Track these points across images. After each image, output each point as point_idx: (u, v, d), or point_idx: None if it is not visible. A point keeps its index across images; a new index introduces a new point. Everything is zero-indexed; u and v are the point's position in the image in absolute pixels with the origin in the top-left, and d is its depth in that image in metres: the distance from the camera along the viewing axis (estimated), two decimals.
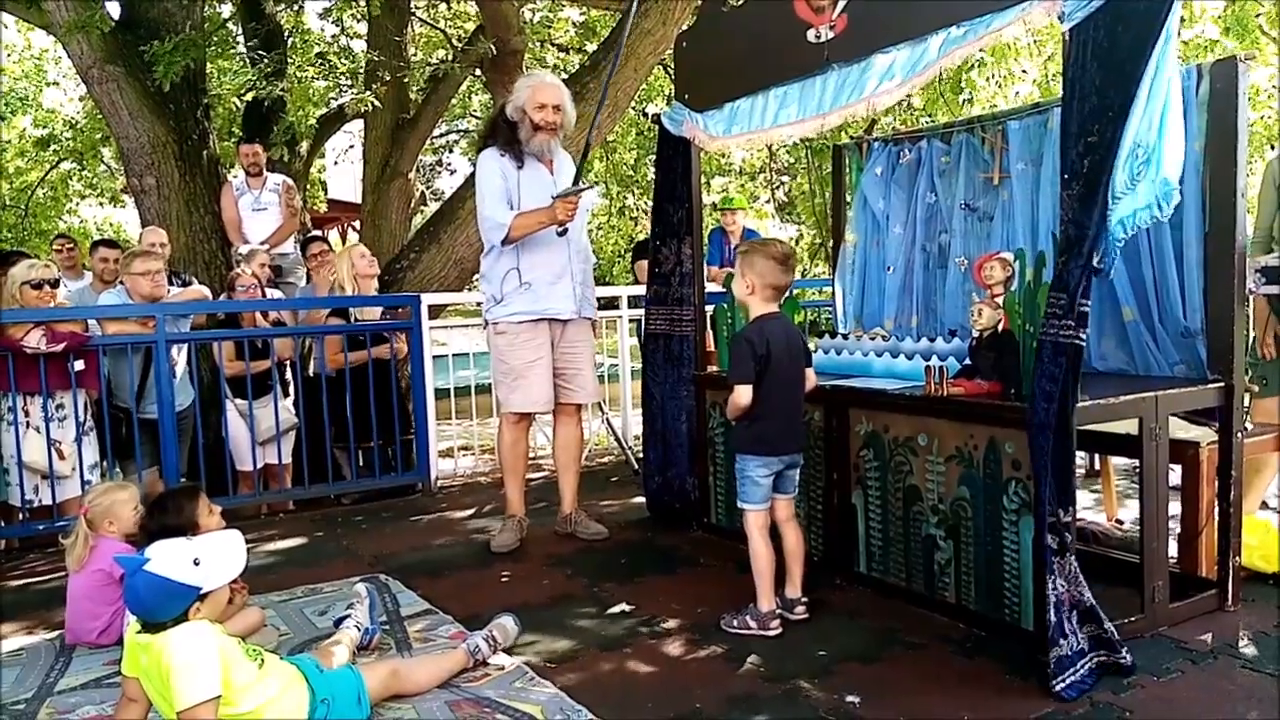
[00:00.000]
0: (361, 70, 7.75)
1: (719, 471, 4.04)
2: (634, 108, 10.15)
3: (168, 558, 2.11)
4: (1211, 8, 8.87)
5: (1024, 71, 9.42)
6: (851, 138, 4.58)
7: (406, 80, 7.10)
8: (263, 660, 2.26)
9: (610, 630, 3.03)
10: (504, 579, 3.60)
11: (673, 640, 2.92)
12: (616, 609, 3.22)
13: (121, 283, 4.75)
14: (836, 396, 3.36)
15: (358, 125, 10.00)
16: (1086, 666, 2.49)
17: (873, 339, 3.71)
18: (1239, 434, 2.94)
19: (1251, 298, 3.69)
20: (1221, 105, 2.91)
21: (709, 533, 4.09)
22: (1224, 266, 2.93)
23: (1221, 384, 2.95)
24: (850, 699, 2.47)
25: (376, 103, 6.96)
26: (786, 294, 3.93)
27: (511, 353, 3.97)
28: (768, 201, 13.82)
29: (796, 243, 15.41)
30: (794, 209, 13.91)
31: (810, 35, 3.41)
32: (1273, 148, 10.07)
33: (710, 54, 4.00)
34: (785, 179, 13.25)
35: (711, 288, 5.10)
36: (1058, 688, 2.42)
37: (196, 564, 2.12)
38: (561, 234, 3.88)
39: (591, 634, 3.00)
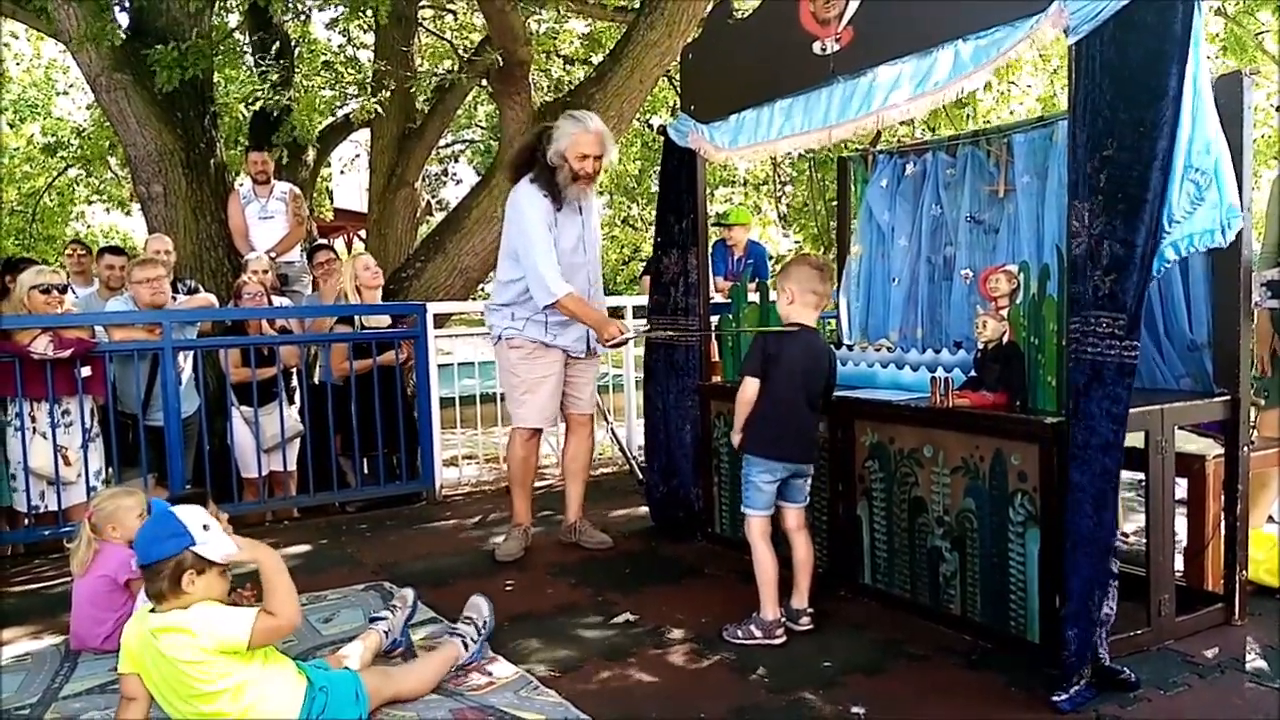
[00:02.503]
0: (368, 80, 7.79)
1: (723, 481, 4.04)
2: (639, 119, 10.18)
3: (185, 509, 2.29)
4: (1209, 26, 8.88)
5: (1029, 86, 9.44)
6: (856, 149, 4.59)
7: (413, 90, 7.13)
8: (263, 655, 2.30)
9: (614, 640, 3.03)
10: (508, 588, 3.60)
11: (677, 650, 2.92)
12: (620, 618, 3.22)
13: (125, 289, 4.77)
14: (842, 407, 3.36)
15: (364, 135, 10.04)
16: (1085, 680, 2.48)
17: (878, 350, 3.71)
18: (1245, 447, 2.94)
19: (1256, 312, 3.69)
20: (1227, 120, 2.91)
21: (713, 543, 4.09)
22: (1230, 280, 2.94)
23: (1228, 397, 2.95)
24: (855, 710, 2.46)
25: (381, 110, 6.99)
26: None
27: (524, 366, 3.98)
28: (771, 212, 13.85)
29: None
30: (798, 220, 13.94)
31: (816, 47, 3.43)
32: (1278, 159, 10.07)
33: (716, 66, 4.02)
34: (789, 189, 13.28)
35: (716, 298, 5.12)
36: (1057, 699, 2.43)
37: (206, 529, 2.27)
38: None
39: (595, 643, 3.00)
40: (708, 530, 4.14)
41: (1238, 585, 2.93)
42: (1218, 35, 8.64)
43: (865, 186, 4.44)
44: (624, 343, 3.99)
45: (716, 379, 4.24)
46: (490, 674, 2.72)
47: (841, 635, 3.00)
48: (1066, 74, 2.64)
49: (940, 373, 3.18)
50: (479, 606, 2.95)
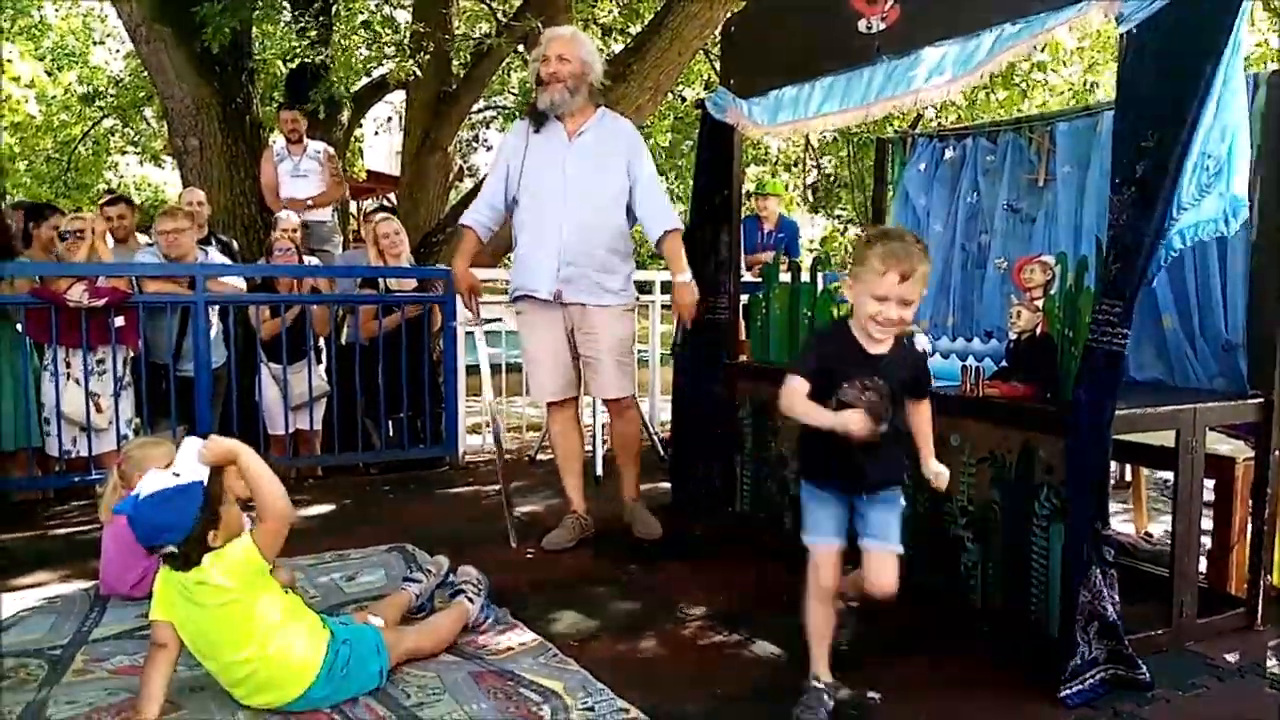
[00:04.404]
0: (406, 41, 7.77)
1: (746, 461, 4.04)
2: (672, 92, 10.11)
3: (151, 482, 2.24)
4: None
5: (1066, 80, 9.31)
6: (896, 132, 4.54)
7: (450, 53, 7.11)
8: (290, 600, 2.38)
9: (633, 613, 3.06)
10: (529, 556, 3.63)
11: (694, 626, 2.94)
12: (639, 592, 3.24)
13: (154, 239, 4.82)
14: None
15: (397, 97, 10.02)
16: (1098, 677, 2.49)
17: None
18: (1276, 451, 2.91)
19: None
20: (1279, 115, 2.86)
21: (733, 521, 4.10)
22: (1269, 279, 2.90)
23: (1261, 399, 2.91)
24: (871, 695, 2.47)
25: (419, 72, 6.97)
26: (822, 289, 3.94)
27: (523, 334, 3.84)
28: (799, 191, 13.75)
29: (824, 241, 15.33)
30: (828, 202, 13.83)
31: (861, 25, 3.39)
32: None
33: (758, 41, 3.98)
34: (820, 168, 13.17)
35: (746, 277, 5.09)
36: (1063, 694, 2.43)
37: (177, 475, 2.24)
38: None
39: (614, 615, 3.03)
40: (728, 509, 4.15)
41: (1262, 590, 2.91)
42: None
43: (902, 169, 4.41)
44: (477, 317, 3.91)
45: (743, 358, 4.23)
46: (510, 640, 2.75)
47: (859, 621, 3.00)
48: (1117, 64, 2.60)
49: (971, 361, 3.16)
50: (466, 571, 2.95)
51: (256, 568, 2.27)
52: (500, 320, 4.17)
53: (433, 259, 6.35)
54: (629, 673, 2.58)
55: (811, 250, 12.87)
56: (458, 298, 3.93)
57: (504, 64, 9.98)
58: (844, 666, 2.61)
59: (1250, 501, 2.98)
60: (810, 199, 13.71)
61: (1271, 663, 2.68)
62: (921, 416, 2.45)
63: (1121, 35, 2.56)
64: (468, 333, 5.60)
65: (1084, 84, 9.41)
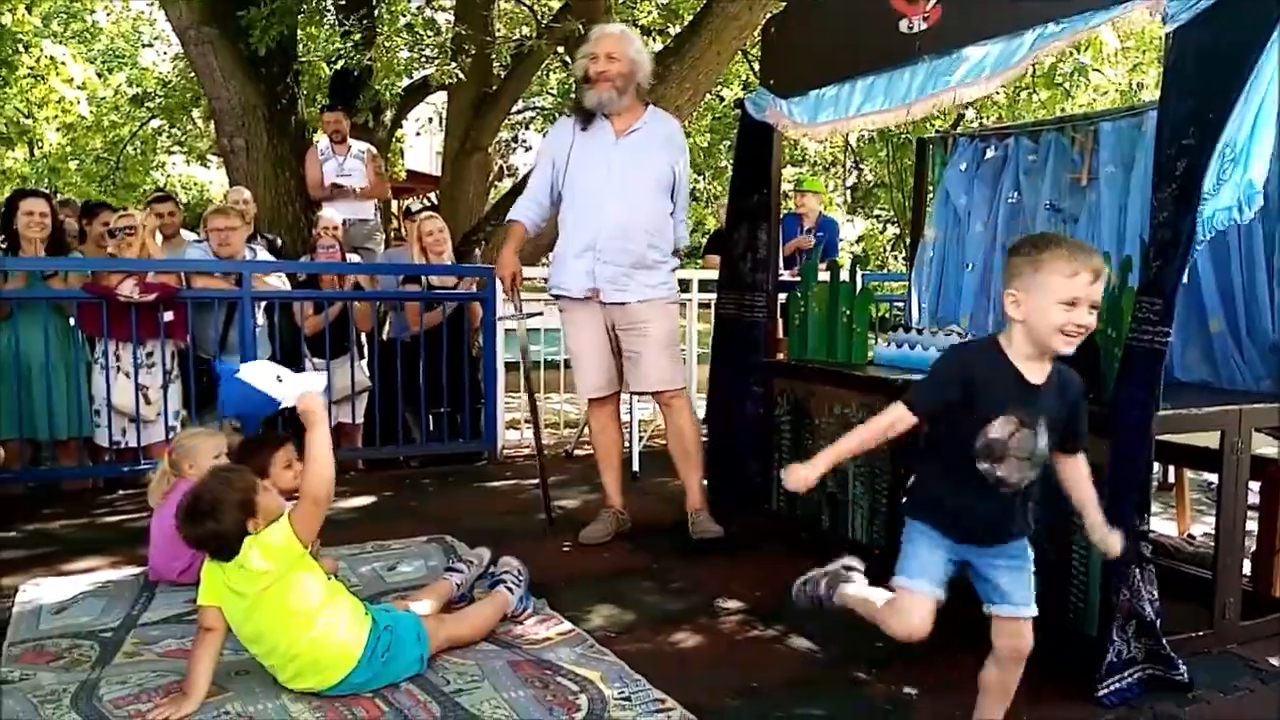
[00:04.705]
0: (447, 43, 7.87)
1: (783, 459, 4.04)
2: (710, 92, 10.13)
3: (255, 369, 2.43)
4: None
5: (1111, 81, 9.20)
6: (937, 132, 4.53)
7: (491, 55, 7.18)
8: (332, 585, 2.43)
9: (669, 606, 3.08)
10: (565, 549, 3.66)
11: (731, 621, 2.96)
12: (676, 586, 3.26)
13: (203, 236, 4.93)
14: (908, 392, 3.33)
15: (439, 98, 10.13)
16: (1136, 676, 2.47)
17: (947, 335, 3.68)
18: None
19: None
20: None
21: (770, 519, 4.10)
22: None
23: None
24: (907, 690, 2.48)
25: (461, 75, 7.05)
26: (861, 289, 3.94)
27: (566, 331, 3.89)
28: (837, 192, 13.70)
29: (860, 240, 15.25)
30: (867, 201, 13.77)
31: (902, 26, 3.39)
32: None
33: (799, 41, 3.99)
34: (858, 169, 13.12)
35: (784, 276, 5.09)
36: (1100, 693, 2.42)
37: (280, 380, 2.38)
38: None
39: (650, 608, 3.05)
40: (765, 506, 4.15)
41: None
42: None
43: (943, 169, 4.39)
44: (519, 312, 3.94)
45: (781, 356, 4.23)
46: (548, 630, 2.78)
47: None
48: (1162, 62, 2.58)
49: None
50: (507, 561, 3.00)
51: (296, 552, 2.32)
52: (540, 314, 4.24)
53: (471, 258, 6.42)
54: (665, 664, 2.60)
55: (851, 251, 12.83)
56: (498, 292, 3.96)
57: (543, 65, 10.07)
58: (881, 665, 2.62)
59: None
60: (849, 200, 13.67)
61: None
62: (1080, 472, 2.09)
63: (1167, 35, 2.54)
64: (507, 330, 5.67)
65: (1130, 85, 9.31)
